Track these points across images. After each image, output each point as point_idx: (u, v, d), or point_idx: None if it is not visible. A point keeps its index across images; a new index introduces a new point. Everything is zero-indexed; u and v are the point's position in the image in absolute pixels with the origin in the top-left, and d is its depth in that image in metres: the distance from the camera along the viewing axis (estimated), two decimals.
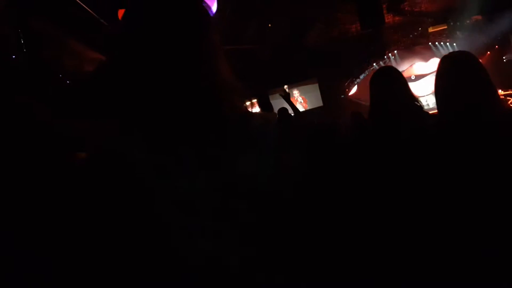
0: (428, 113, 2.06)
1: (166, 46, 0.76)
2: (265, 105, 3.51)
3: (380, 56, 13.38)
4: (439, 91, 1.65)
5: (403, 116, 1.83)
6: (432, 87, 1.72)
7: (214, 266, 0.73)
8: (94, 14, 3.39)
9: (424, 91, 14.59)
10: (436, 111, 1.74)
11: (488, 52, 13.55)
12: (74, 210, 0.72)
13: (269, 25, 10.02)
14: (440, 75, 1.65)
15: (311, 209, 0.93)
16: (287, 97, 4.04)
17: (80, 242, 0.71)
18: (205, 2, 0.84)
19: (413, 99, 1.94)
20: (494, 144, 1.42)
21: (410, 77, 15.16)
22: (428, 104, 14.30)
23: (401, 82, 1.93)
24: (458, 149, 1.48)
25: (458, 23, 12.56)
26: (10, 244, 0.75)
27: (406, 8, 11.44)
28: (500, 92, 11.91)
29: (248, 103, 12.26)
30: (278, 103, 4.15)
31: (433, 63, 13.96)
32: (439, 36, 14.05)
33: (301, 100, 14.24)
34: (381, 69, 2.07)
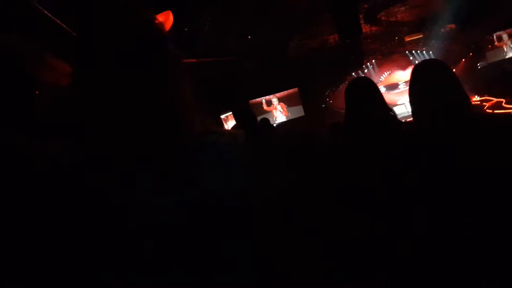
0: (401, 121, 2.11)
1: (120, 64, 0.76)
2: (240, 116, 3.44)
3: (358, 65, 13.60)
4: (413, 98, 1.69)
5: (378, 124, 1.87)
6: None
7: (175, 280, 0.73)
8: (68, 28, 3.37)
9: (403, 99, 14.85)
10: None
11: (463, 60, 13.89)
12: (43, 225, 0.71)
13: (249, 37, 10.10)
14: (413, 83, 1.70)
15: (290, 221, 0.93)
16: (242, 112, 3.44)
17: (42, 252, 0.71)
18: (157, 19, 0.84)
19: (387, 108, 1.98)
20: (465, 148, 1.45)
21: (389, 85, 15.44)
22: (408, 111, 14.52)
23: (375, 91, 1.97)
24: (431, 154, 1.51)
25: (433, 32, 12.87)
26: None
27: (382, 18, 11.68)
28: (476, 98, 12.21)
29: (224, 116, 12.17)
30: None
31: (411, 71, 14.26)
32: (415, 44, 14.36)
33: (280, 109, 14.31)
34: (355, 79, 2.12)
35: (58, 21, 3.26)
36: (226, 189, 0.75)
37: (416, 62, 14.20)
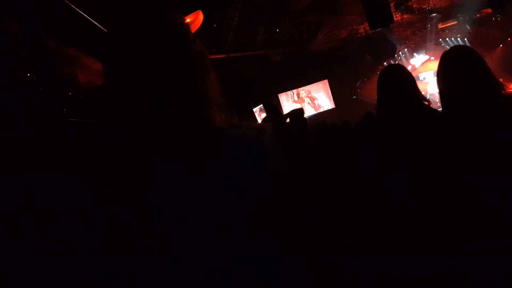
0: (436, 110, 2.06)
1: (147, 61, 0.80)
2: (271, 110, 3.47)
3: (390, 55, 13.28)
4: (441, 86, 1.66)
5: (410, 113, 1.84)
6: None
7: (211, 272, 0.75)
8: (103, 28, 3.47)
9: (433, 88, 14.41)
10: None
11: (501, 45, 13.35)
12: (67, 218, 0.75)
13: (277, 30, 10.06)
14: (440, 72, 1.67)
15: (317, 210, 0.94)
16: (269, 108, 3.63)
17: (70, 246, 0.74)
18: (184, 20, 0.87)
19: (420, 96, 1.94)
20: (495, 133, 1.42)
21: (418, 76, 15.02)
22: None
23: (408, 80, 1.94)
24: (460, 141, 1.48)
25: (467, 18, 12.41)
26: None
27: (414, 6, 11.36)
28: None
29: (257, 108, 12.25)
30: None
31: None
32: (449, 31, 13.90)
33: (308, 100, 14.17)
34: (388, 67, 2.08)
35: (91, 19, 3.37)
36: (254, 182, 0.77)
37: None
